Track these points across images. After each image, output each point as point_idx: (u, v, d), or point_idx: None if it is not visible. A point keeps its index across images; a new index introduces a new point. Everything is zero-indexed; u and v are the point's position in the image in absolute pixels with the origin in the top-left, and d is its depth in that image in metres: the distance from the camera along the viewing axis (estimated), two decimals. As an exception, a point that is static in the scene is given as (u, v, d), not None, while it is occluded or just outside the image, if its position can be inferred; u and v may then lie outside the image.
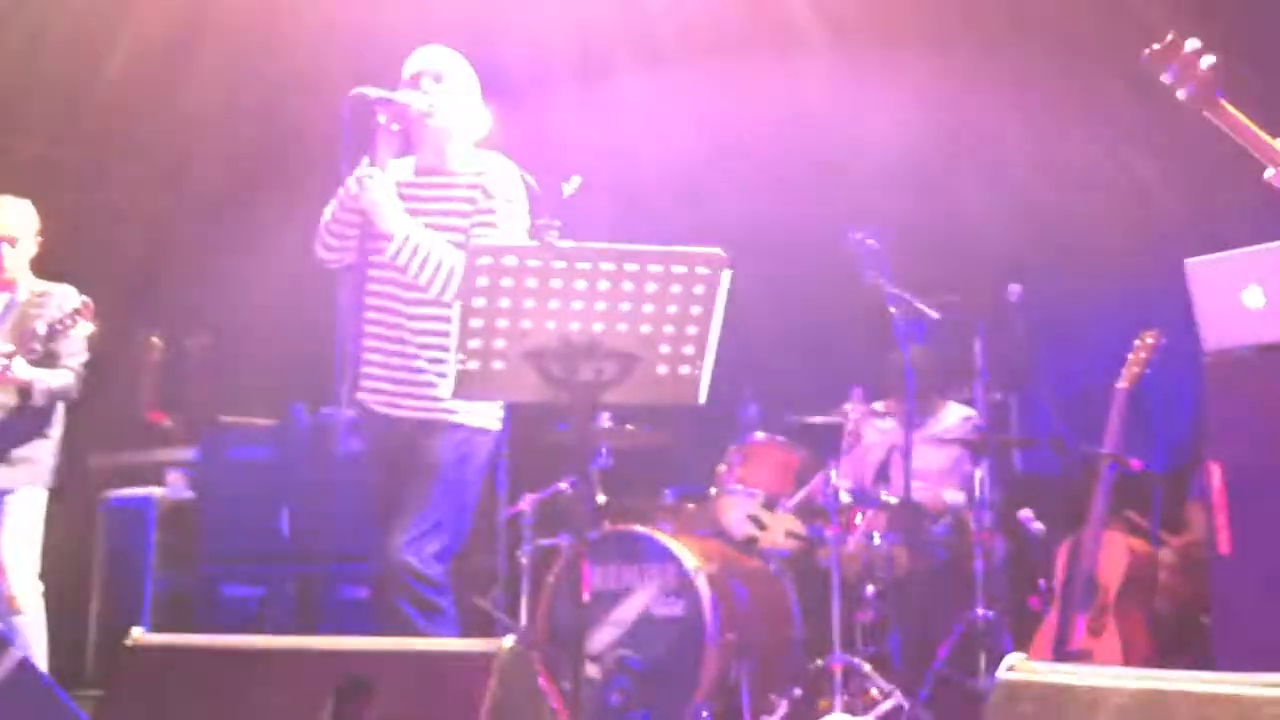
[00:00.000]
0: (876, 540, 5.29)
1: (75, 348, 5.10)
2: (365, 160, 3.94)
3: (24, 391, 5.04)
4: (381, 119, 3.93)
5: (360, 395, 4.10)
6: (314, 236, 4.06)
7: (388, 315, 4.05)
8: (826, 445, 5.71)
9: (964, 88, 6.32)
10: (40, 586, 5.10)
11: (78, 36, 6.40)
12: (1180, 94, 3.42)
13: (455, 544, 4.00)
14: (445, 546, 3.95)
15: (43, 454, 5.15)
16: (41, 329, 4.94)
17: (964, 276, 6.03)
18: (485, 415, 4.06)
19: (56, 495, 5.22)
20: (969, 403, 5.72)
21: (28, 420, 5.09)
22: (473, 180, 4.04)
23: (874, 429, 5.77)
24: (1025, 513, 5.44)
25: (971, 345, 5.43)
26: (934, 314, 5.39)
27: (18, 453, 5.07)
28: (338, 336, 3.85)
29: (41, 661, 4.90)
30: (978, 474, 5.28)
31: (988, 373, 5.51)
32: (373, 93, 3.91)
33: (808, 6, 6.54)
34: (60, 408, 5.18)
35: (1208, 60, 3.40)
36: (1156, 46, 3.44)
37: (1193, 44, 3.42)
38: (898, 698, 4.90)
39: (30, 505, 5.10)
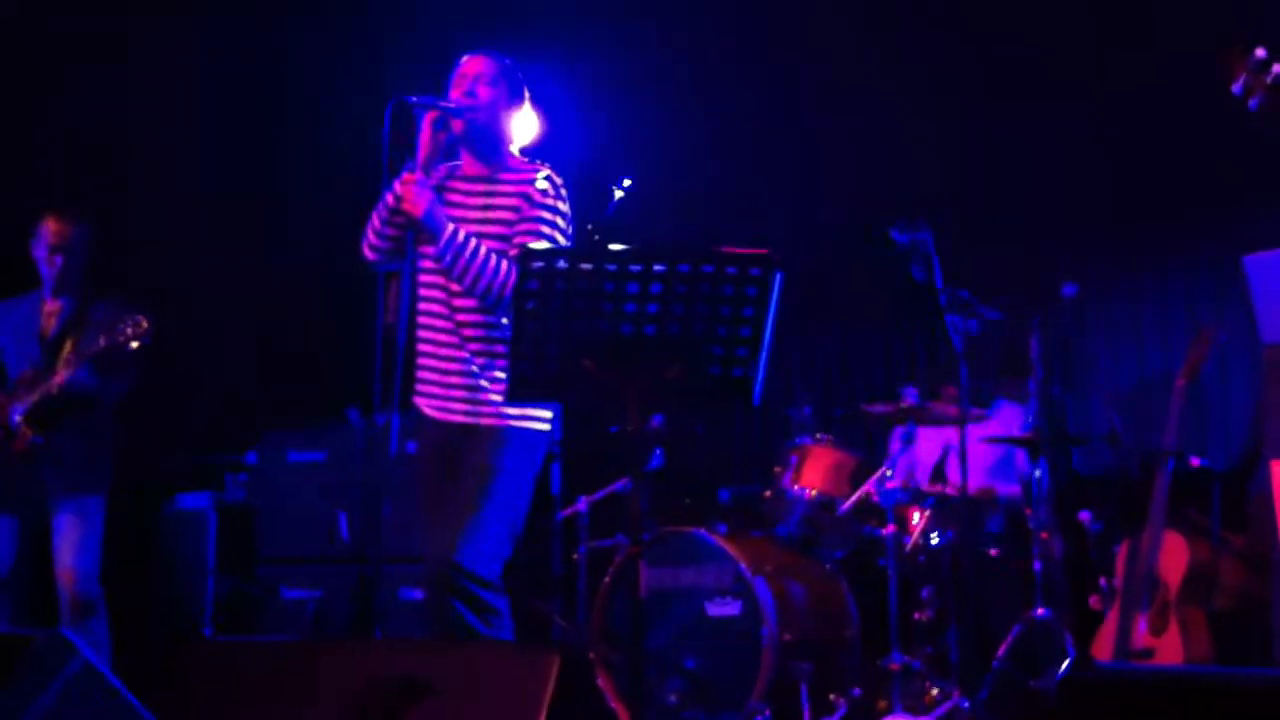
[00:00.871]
0: (934, 539, 5.27)
1: (129, 359, 5.15)
2: (409, 165, 3.96)
3: (77, 402, 5.10)
4: (424, 124, 3.96)
5: (414, 399, 4.13)
6: (361, 239, 4.09)
7: (439, 319, 4.08)
8: (881, 445, 5.70)
9: (1014, 80, 6.29)
10: (103, 590, 5.17)
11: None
12: (1250, 104, 3.37)
13: (509, 546, 4.02)
14: (499, 548, 3.97)
15: (101, 458, 5.21)
16: (100, 346, 4.99)
17: (1019, 273, 6.00)
18: (536, 418, 4.08)
19: (118, 499, 5.29)
20: (1024, 400, 5.69)
21: (85, 426, 5.15)
22: (517, 187, 4.05)
23: (928, 428, 5.74)
24: (1084, 513, 5.40)
25: (1027, 342, 5.39)
26: (991, 312, 5.35)
27: (77, 458, 5.14)
28: (378, 339, 3.88)
29: (106, 664, 4.96)
30: (1035, 473, 5.24)
31: (1043, 370, 5.47)
32: (415, 98, 3.94)
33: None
34: (112, 414, 5.24)
35: (1275, 70, 3.34)
36: (1224, 58, 3.40)
37: (1259, 54, 3.37)
38: (957, 698, 4.88)
39: (91, 509, 5.17)
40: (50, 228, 5.24)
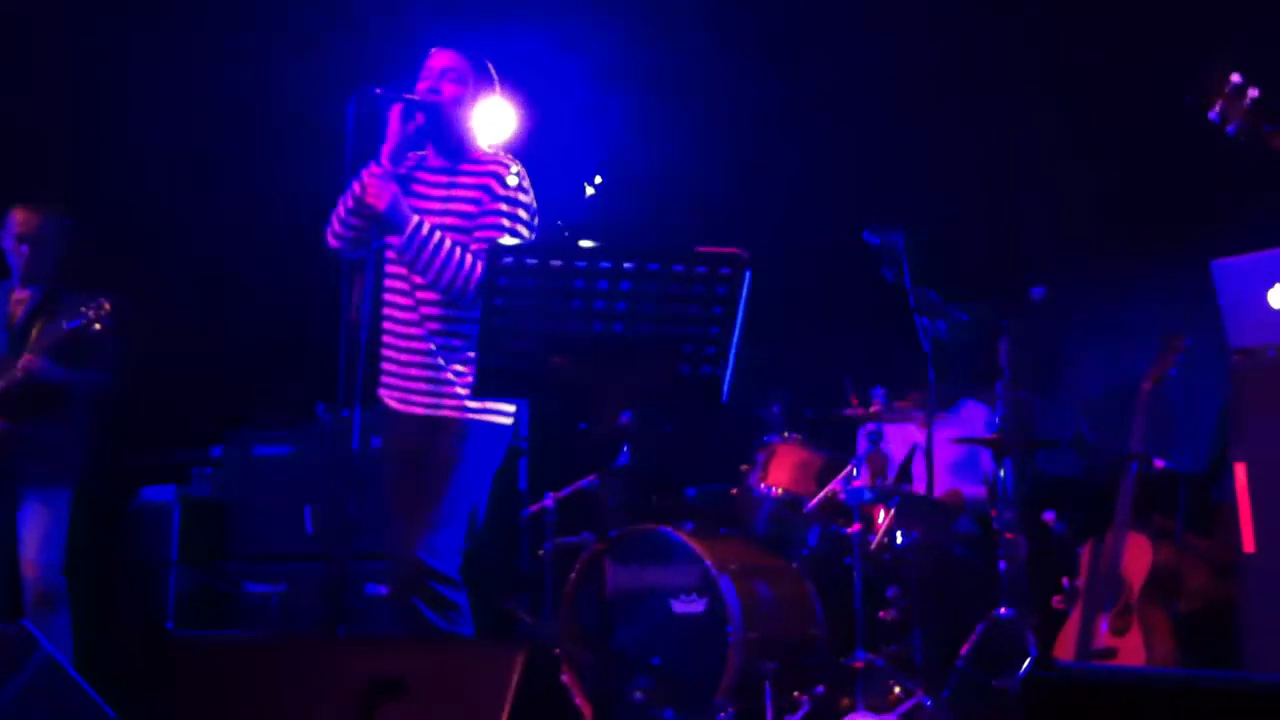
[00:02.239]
0: (899, 539, 5.28)
1: (102, 349, 5.13)
2: (375, 157, 3.95)
3: (47, 391, 5.07)
4: (391, 116, 3.95)
5: (379, 392, 4.12)
6: (325, 227, 4.08)
7: (403, 311, 4.08)
8: (848, 444, 5.71)
9: (987, 83, 6.31)
10: (65, 583, 5.14)
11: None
12: (1228, 130, 3.39)
13: (467, 540, 4.01)
14: (457, 542, 3.97)
15: (69, 452, 5.19)
16: (64, 330, 4.97)
17: (988, 276, 6.03)
18: (498, 411, 4.08)
19: (83, 492, 5.26)
20: (992, 402, 5.71)
21: (54, 419, 5.13)
22: (480, 179, 4.05)
23: (896, 428, 5.76)
24: (1048, 514, 5.43)
25: (995, 345, 5.42)
26: (960, 314, 5.38)
27: (44, 451, 5.11)
28: (343, 331, 3.87)
29: (67, 658, 4.93)
30: (1000, 473, 5.27)
31: (1011, 372, 5.49)
32: (380, 90, 3.94)
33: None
34: (87, 407, 5.22)
35: (1251, 94, 3.36)
36: (1197, 87, 3.42)
37: (1235, 79, 3.38)
38: (920, 696, 4.90)
39: (58, 502, 5.14)
40: (17, 218, 5.23)
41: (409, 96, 4.00)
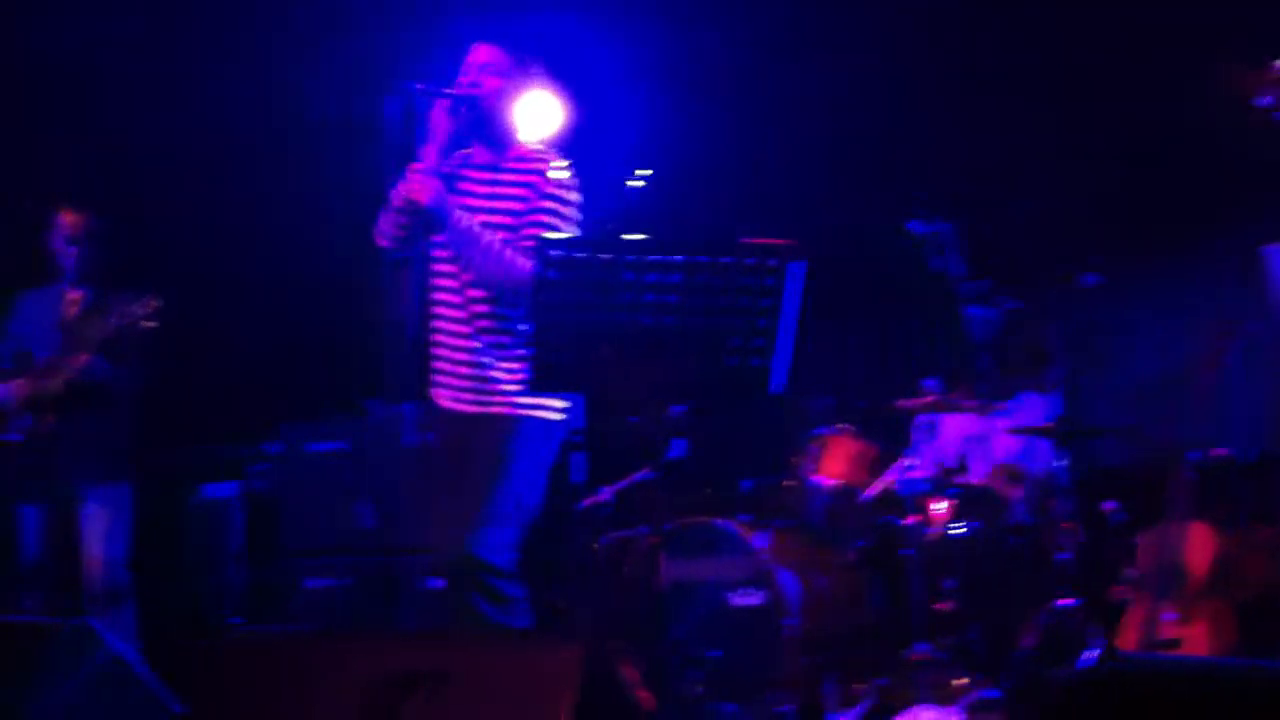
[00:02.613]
0: (955, 530, 5.26)
1: (141, 341, 5.19)
2: (420, 154, 3.96)
3: (96, 388, 5.15)
4: (435, 113, 3.96)
5: (430, 390, 4.14)
6: (375, 226, 4.10)
7: (452, 309, 4.08)
8: (902, 436, 5.69)
9: (1037, 72, 6.26)
10: (130, 578, 5.21)
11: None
12: (1276, 116, 3.34)
13: (522, 534, 4.02)
14: (513, 536, 3.98)
15: (119, 447, 5.26)
16: (113, 328, 5.04)
17: (1040, 264, 5.97)
18: (549, 407, 4.08)
19: (144, 489, 5.34)
20: (1046, 391, 5.67)
21: (102, 415, 5.20)
22: (525, 175, 4.04)
23: (950, 419, 5.73)
24: (1107, 503, 5.38)
25: (1047, 333, 5.38)
26: (1012, 303, 5.34)
27: (96, 447, 5.18)
28: (387, 329, 3.89)
29: (133, 653, 5.00)
30: (1056, 463, 5.22)
31: (1064, 361, 5.45)
32: (422, 86, 3.94)
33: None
34: (132, 402, 5.29)
35: None
36: (1245, 74, 3.37)
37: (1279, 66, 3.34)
38: (982, 688, 4.87)
39: (119, 498, 5.22)
40: (66, 220, 5.30)
41: (451, 92, 4.00)
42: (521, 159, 4.09)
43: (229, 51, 6.79)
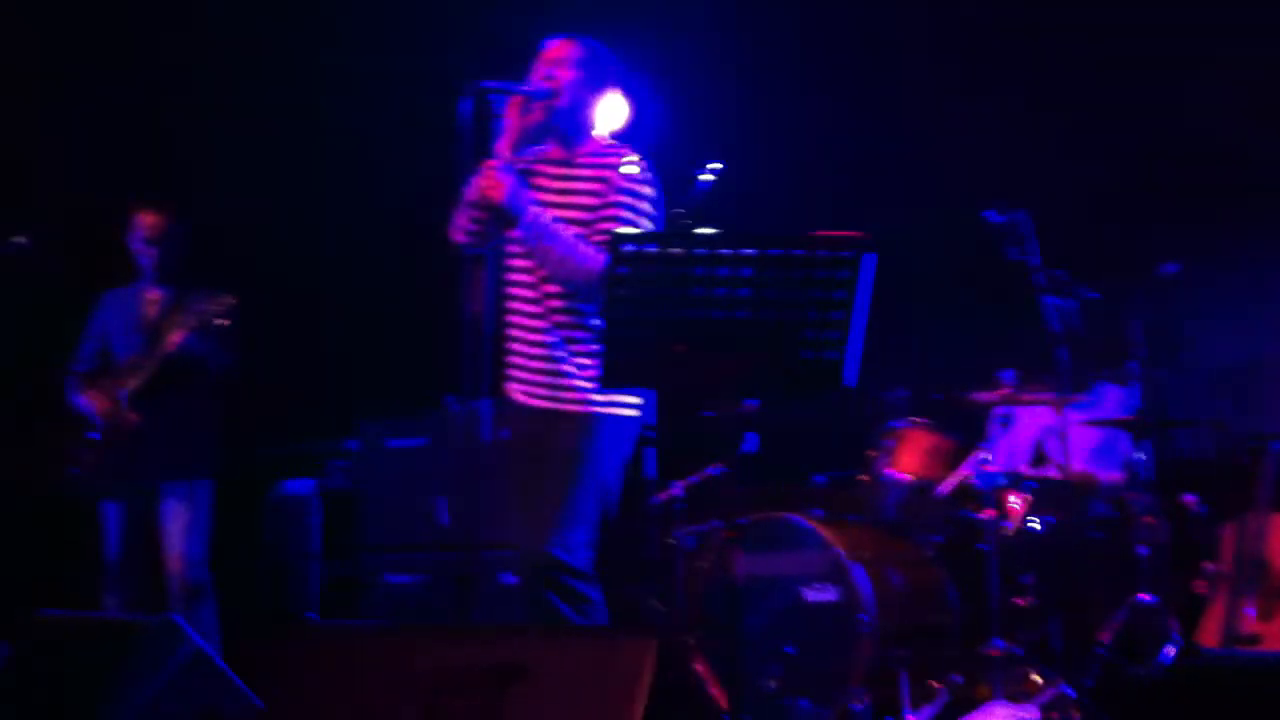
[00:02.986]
0: (1032, 524, 5.20)
1: (221, 343, 5.26)
2: (492, 151, 3.97)
3: (178, 384, 5.21)
4: (509, 109, 3.97)
5: (505, 385, 4.16)
6: (451, 222, 4.12)
7: (527, 304, 4.09)
8: (978, 429, 5.63)
9: (1110, 55, 6.18)
10: (211, 575, 5.28)
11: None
12: None
13: (598, 532, 4.02)
14: (589, 535, 3.98)
15: (204, 443, 5.33)
16: (191, 325, 5.10)
17: (1118, 252, 5.90)
18: (623, 404, 4.07)
19: (225, 485, 5.40)
20: (1126, 382, 5.59)
21: (187, 411, 5.27)
22: (598, 171, 4.04)
23: (1027, 411, 5.67)
24: (1188, 496, 5.31)
25: (1127, 323, 5.31)
26: (1090, 293, 5.27)
27: (181, 444, 5.25)
28: (464, 325, 3.90)
29: (214, 649, 5.07)
30: (1137, 456, 5.16)
31: (1145, 351, 5.37)
32: (494, 84, 3.96)
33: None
34: (215, 399, 5.36)
35: None
36: None
37: None
38: (1061, 685, 4.82)
39: (199, 494, 5.29)
40: (145, 220, 5.37)
41: (523, 88, 4.01)
42: (595, 154, 4.09)
43: (306, 51, 6.87)
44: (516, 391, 4.13)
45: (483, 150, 3.94)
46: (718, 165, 4.40)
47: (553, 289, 4.02)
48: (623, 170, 4.02)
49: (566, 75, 4.05)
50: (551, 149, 4.14)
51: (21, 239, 5.16)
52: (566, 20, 4.26)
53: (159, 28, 6.62)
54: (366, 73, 6.81)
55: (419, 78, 6.37)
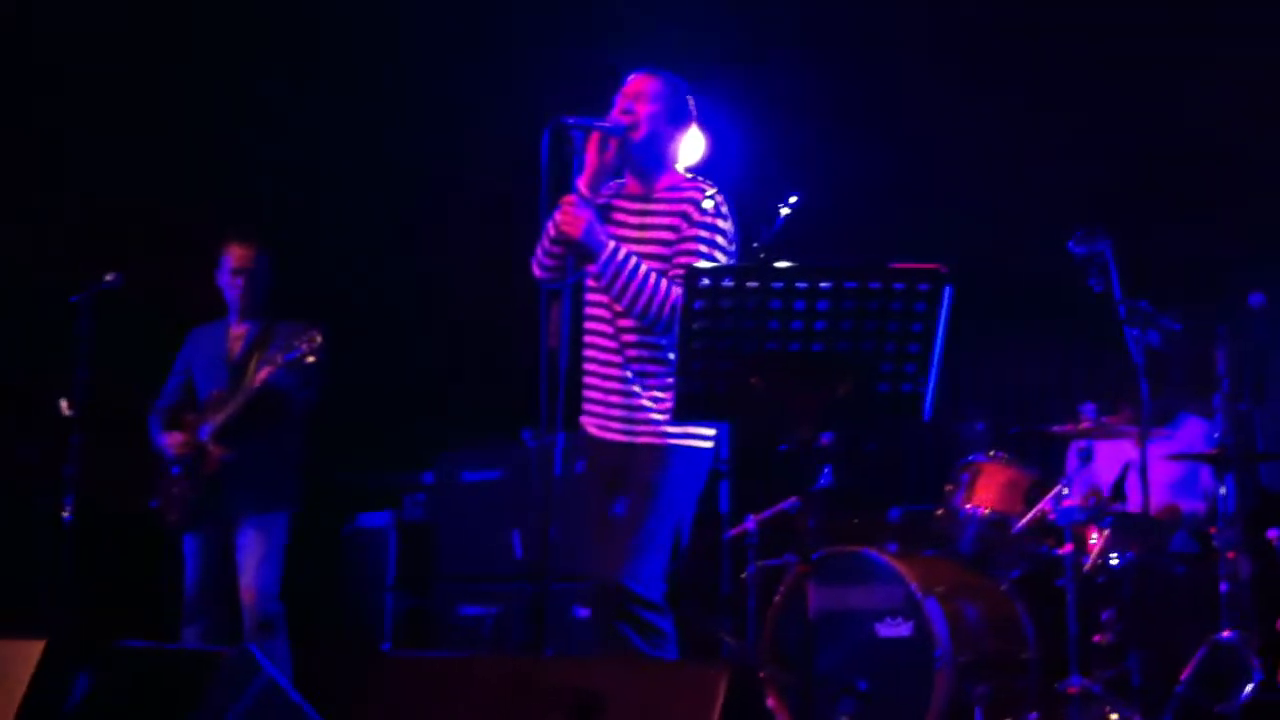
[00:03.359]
0: (1113, 559, 5.12)
1: (307, 379, 5.31)
2: (573, 186, 3.99)
3: (262, 420, 5.26)
4: (589, 145, 3.99)
5: (581, 419, 4.17)
6: (531, 258, 4.15)
7: (603, 338, 4.10)
8: (1056, 462, 5.56)
9: (1191, 86, 6.11)
10: (283, 608, 5.31)
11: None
12: None
13: (670, 564, 4.01)
14: (661, 567, 3.97)
15: (285, 477, 5.37)
16: (281, 363, 5.15)
17: (1203, 283, 5.82)
18: (697, 435, 4.07)
19: (302, 517, 5.45)
20: (1210, 415, 5.50)
21: (272, 445, 5.32)
22: (676, 205, 4.04)
23: (1107, 444, 5.60)
24: (1272, 531, 5.20)
25: (1212, 354, 5.22)
26: (1173, 324, 5.20)
27: (261, 477, 5.30)
28: (541, 359, 3.92)
29: (288, 680, 5.09)
30: (1221, 490, 5.07)
31: (1230, 383, 5.28)
32: (573, 119, 3.98)
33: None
34: (297, 434, 5.41)
35: None
36: None
37: None
38: (1138, 723, 4.74)
39: (275, 527, 5.33)
40: (233, 253, 5.44)
41: (601, 124, 4.03)
42: (672, 189, 4.10)
43: (394, 85, 6.95)
44: (592, 425, 4.15)
45: (562, 185, 3.96)
46: (795, 198, 4.40)
47: (628, 323, 4.03)
48: (702, 205, 4.02)
49: (645, 109, 4.06)
50: (630, 184, 4.16)
51: (113, 275, 5.27)
52: (647, 54, 4.28)
53: (249, 66, 6.73)
54: (451, 105, 6.88)
55: (502, 112, 6.45)
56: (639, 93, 4.08)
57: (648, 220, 4.07)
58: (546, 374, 3.84)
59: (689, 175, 4.16)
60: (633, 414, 4.03)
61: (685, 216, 4.01)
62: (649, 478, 3.99)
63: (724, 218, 4.05)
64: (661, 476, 4.00)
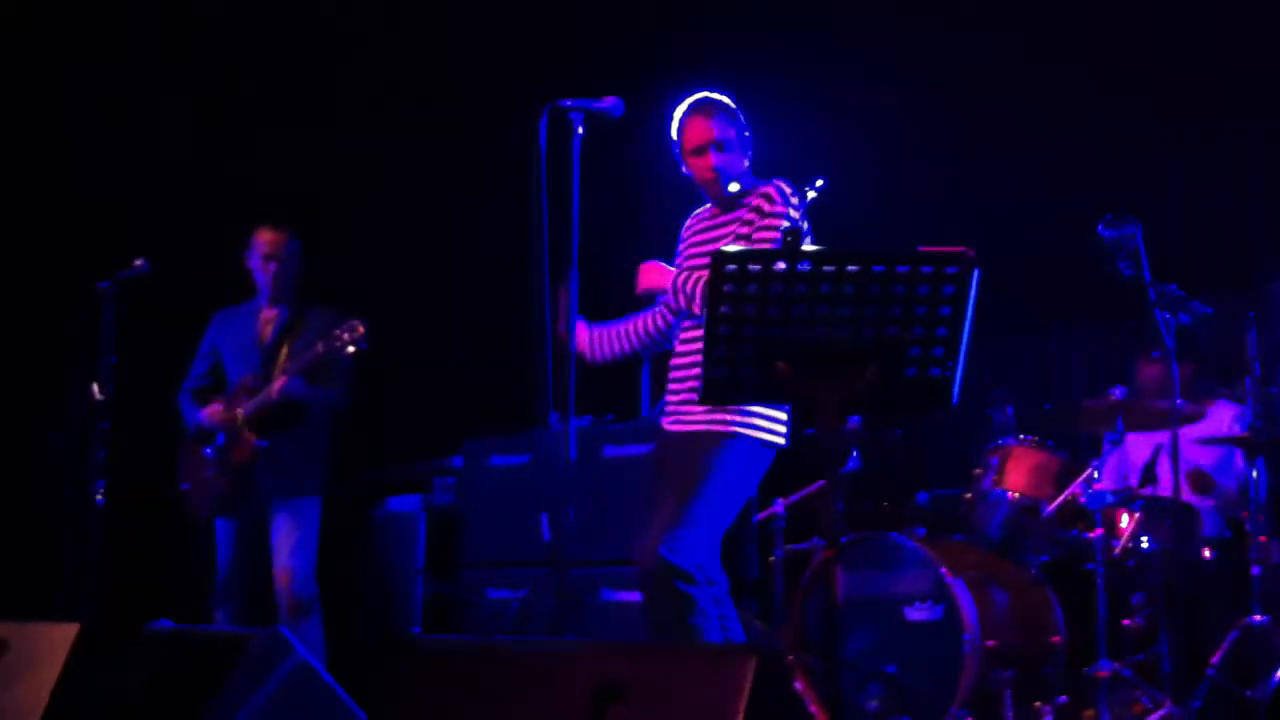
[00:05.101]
0: (1144, 543, 5.10)
1: (344, 367, 5.32)
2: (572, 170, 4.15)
3: (296, 408, 5.28)
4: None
5: (661, 420, 4.37)
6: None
7: (679, 344, 4.32)
8: (1086, 446, 5.54)
9: (1221, 68, 6.06)
10: (317, 591, 5.34)
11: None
12: None
13: (712, 540, 4.09)
14: (705, 544, 4.05)
15: (314, 464, 5.39)
16: (319, 353, 5.15)
17: (1233, 266, 5.77)
18: (757, 428, 4.18)
19: (331, 503, 5.47)
20: (1241, 399, 5.47)
21: (300, 433, 5.34)
22: (738, 212, 4.22)
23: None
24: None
25: (1242, 339, 5.19)
26: (1204, 307, 5.16)
27: (294, 462, 5.32)
28: (551, 345, 4.00)
29: (320, 662, 5.12)
30: (1252, 474, 5.04)
31: (1260, 367, 5.25)
32: (570, 103, 4.04)
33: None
34: (329, 421, 5.42)
35: None
36: None
37: None
38: (1168, 708, 4.72)
39: (307, 511, 5.35)
40: (263, 237, 5.46)
41: (598, 105, 4.11)
42: (736, 199, 4.27)
43: (411, 74, 6.97)
44: (666, 422, 4.31)
45: (561, 168, 4.04)
46: (821, 181, 4.41)
47: (689, 324, 4.20)
48: (759, 205, 4.16)
49: (717, 161, 4.23)
50: (712, 208, 4.36)
51: (140, 261, 5.29)
52: (651, 43, 4.33)
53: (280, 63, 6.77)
54: (453, 93, 6.89)
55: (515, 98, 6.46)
56: (706, 144, 4.22)
57: (715, 235, 4.28)
58: (554, 359, 3.91)
59: (750, 180, 4.30)
60: (694, 405, 4.17)
61: (750, 223, 4.17)
62: (699, 460, 4.11)
63: (784, 205, 4.17)
64: (713, 459, 4.11)
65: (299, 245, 5.50)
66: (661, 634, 4.08)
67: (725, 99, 4.31)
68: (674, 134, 4.30)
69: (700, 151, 4.24)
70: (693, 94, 4.34)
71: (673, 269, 4.24)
